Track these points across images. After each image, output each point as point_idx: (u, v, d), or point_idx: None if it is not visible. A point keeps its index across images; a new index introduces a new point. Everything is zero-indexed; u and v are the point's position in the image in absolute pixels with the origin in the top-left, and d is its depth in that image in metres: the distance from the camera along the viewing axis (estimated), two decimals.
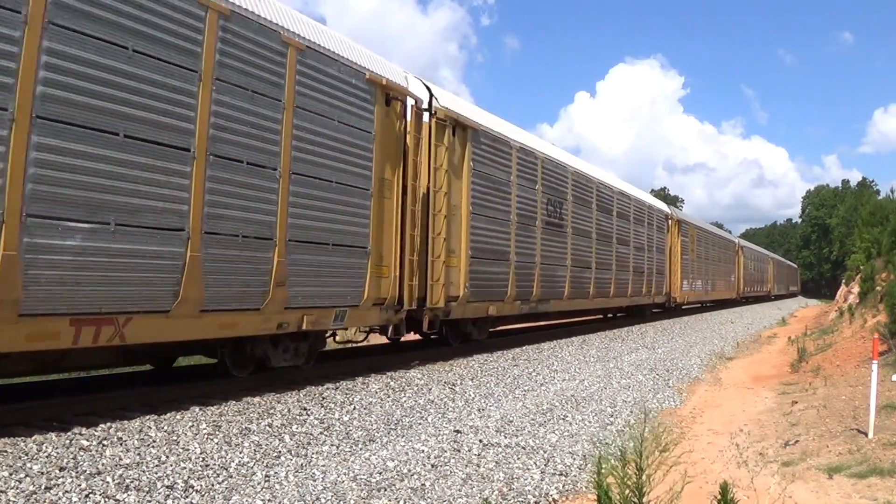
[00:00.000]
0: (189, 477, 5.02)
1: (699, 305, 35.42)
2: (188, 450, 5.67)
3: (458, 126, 11.94)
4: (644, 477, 2.99)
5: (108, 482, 4.77)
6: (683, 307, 30.17)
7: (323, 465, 5.58)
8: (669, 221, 27.36)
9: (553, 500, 5.20)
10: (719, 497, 2.82)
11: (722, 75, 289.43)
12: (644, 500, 3.00)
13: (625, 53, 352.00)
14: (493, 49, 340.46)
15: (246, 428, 6.48)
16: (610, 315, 23.54)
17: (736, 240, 45.44)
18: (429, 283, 11.06)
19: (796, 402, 9.64)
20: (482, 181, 12.73)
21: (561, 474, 5.74)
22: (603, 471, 3.09)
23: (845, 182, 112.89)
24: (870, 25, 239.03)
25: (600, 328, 20.01)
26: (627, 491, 2.99)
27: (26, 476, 4.74)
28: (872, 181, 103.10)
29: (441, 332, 12.52)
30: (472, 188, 12.32)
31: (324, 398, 8.07)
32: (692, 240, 30.62)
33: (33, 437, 5.66)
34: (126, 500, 4.53)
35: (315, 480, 5.19)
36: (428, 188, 11.20)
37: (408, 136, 10.56)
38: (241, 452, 5.73)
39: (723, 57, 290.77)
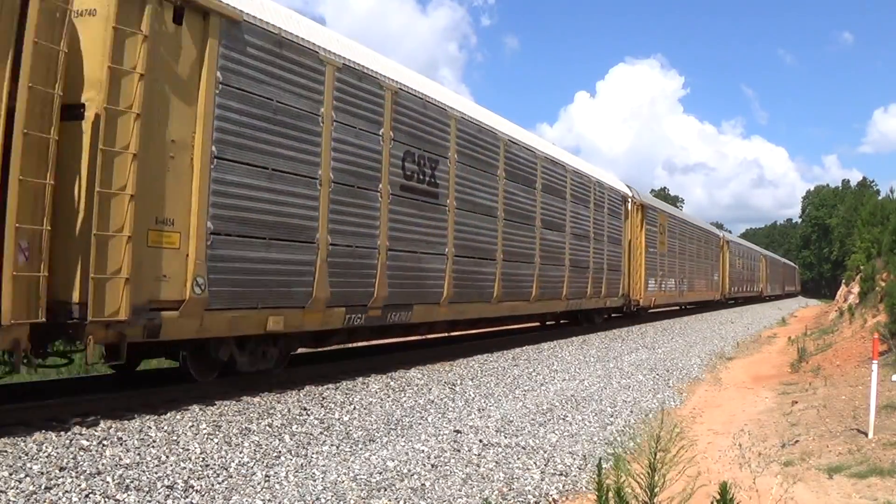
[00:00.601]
0: (189, 477, 5.03)
1: (678, 308, 31.09)
2: (188, 450, 5.67)
3: (189, 8, 7.17)
4: (657, 477, 2.98)
5: (108, 482, 4.77)
6: (651, 311, 25.52)
7: (323, 465, 5.58)
8: (630, 205, 21.74)
9: (553, 500, 5.20)
10: (718, 497, 2.81)
11: (722, 75, 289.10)
12: (655, 500, 2.99)
13: (625, 53, 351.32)
14: (493, 49, 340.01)
15: (246, 428, 6.48)
16: (550, 322, 18.77)
17: (720, 233, 40.90)
18: (91, 278, 6.24)
19: (796, 402, 9.65)
20: (247, 107, 7.77)
21: (561, 474, 5.74)
22: (606, 469, 3.09)
23: (845, 182, 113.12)
24: (870, 25, 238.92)
25: (600, 329, 20.01)
26: (638, 490, 2.98)
27: (26, 476, 4.74)
28: (872, 181, 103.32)
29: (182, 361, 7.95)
30: (218, 116, 7.44)
31: (324, 398, 8.07)
32: (662, 230, 25.32)
33: (33, 437, 5.67)
34: (126, 500, 4.53)
35: (315, 480, 5.19)
36: (103, 106, 6.41)
37: (32, 4, 5.84)
38: (241, 452, 5.73)
39: (723, 57, 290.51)
